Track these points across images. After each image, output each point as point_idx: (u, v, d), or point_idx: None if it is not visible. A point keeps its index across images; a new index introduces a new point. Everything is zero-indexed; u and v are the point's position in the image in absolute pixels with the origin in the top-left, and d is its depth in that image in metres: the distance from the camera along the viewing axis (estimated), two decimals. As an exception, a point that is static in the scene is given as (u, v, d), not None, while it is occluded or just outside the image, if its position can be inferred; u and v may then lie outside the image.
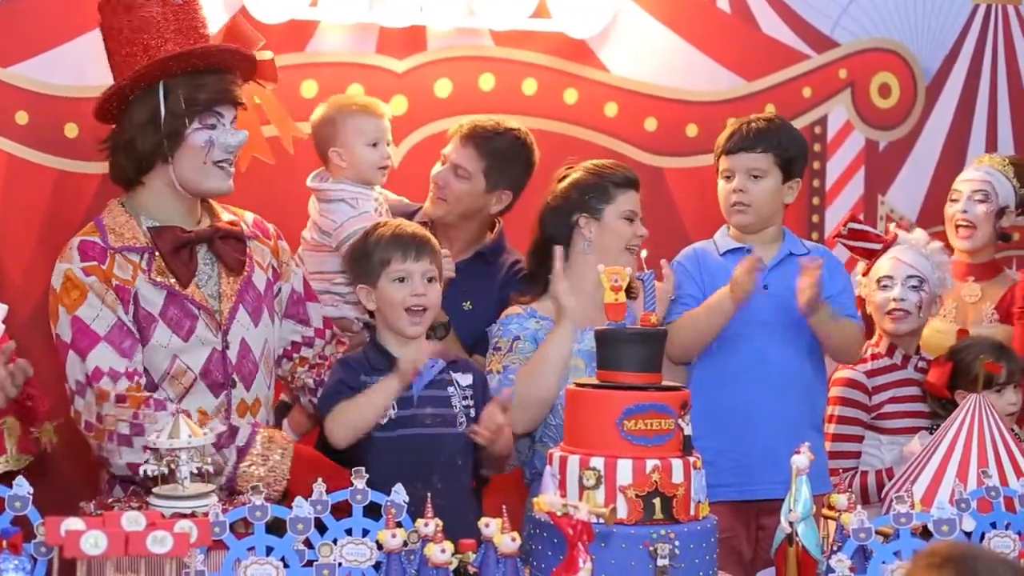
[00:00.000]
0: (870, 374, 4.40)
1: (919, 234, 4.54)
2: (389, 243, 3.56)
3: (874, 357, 4.45)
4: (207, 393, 3.49)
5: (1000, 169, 4.74)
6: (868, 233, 4.54)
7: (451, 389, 3.56)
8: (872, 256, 4.50)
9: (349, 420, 3.45)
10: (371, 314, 3.69)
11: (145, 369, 3.42)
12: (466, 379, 3.60)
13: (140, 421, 3.31)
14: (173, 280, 3.47)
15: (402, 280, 3.53)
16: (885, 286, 4.42)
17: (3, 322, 3.54)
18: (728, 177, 4.03)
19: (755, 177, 3.99)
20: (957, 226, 4.71)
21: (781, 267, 4.00)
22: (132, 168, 3.50)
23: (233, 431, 3.41)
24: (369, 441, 3.46)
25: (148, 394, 3.37)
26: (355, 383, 3.49)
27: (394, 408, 3.48)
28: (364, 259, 3.59)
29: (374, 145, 3.95)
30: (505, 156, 4.03)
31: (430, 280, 3.56)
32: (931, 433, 4.17)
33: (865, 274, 4.53)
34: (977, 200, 4.69)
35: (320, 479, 3.07)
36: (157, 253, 3.47)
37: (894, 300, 4.38)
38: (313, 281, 3.86)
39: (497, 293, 4.00)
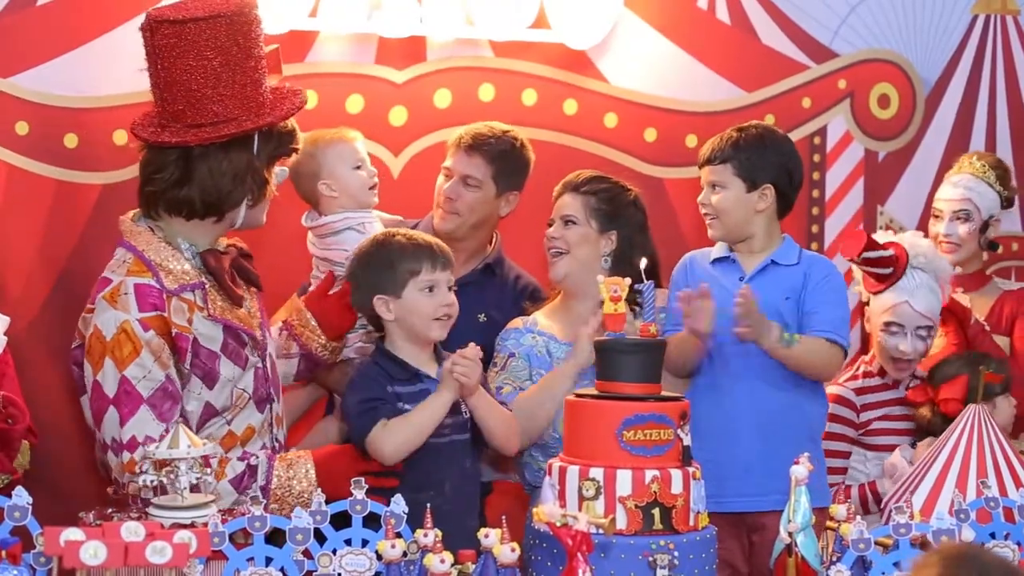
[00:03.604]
0: (860, 391, 4.38)
1: (926, 247, 4.40)
2: (415, 253, 3.52)
3: (866, 375, 4.43)
4: (255, 411, 3.47)
5: (981, 176, 4.64)
6: (880, 259, 4.33)
7: None
8: (885, 281, 4.35)
9: (401, 440, 3.37)
10: (377, 326, 3.61)
11: (209, 404, 3.37)
12: None
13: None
14: (228, 313, 3.41)
15: (431, 290, 3.50)
16: (894, 332, 4.31)
17: (5, 334, 3.55)
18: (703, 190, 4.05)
19: (716, 188, 3.96)
20: (940, 242, 4.61)
21: (761, 276, 3.92)
22: (210, 206, 3.39)
23: (253, 471, 3.36)
24: None
25: None
26: (383, 394, 3.43)
27: None
28: (386, 270, 3.52)
29: (358, 168, 3.96)
30: (509, 158, 4.08)
31: (449, 289, 3.55)
32: (912, 447, 4.19)
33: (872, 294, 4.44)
34: (959, 220, 4.60)
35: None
36: (207, 285, 3.40)
37: (901, 351, 4.31)
38: None
39: (511, 306, 4.03)
